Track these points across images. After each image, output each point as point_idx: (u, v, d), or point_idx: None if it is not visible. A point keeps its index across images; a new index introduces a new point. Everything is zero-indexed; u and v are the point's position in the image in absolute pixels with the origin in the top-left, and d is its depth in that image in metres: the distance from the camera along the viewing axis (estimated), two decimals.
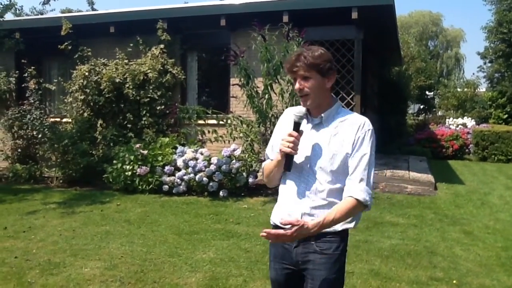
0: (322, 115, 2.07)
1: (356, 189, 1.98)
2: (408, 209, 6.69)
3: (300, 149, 2.03)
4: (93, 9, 24.87)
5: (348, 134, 2.03)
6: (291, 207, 2.10)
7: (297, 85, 2.04)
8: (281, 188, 2.19)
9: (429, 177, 8.58)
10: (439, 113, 25.24)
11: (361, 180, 1.99)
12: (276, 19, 7.71)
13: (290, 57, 2.07)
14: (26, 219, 6.25)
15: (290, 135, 2.01)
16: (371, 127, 2.05)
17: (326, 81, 2.04)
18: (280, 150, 2.03)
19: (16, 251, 4.92)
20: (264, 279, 4.14)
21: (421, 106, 25.28)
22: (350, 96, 8.60)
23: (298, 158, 2.06)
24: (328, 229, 2.01)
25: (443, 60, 39.97)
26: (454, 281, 4.12)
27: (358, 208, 2.00)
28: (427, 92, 24.18)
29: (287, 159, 2.05)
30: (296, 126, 2.05)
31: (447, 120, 18.70)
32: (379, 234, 5.50)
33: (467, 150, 14.03)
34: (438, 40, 41.27)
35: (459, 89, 23.41)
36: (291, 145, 1.99)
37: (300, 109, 2.07)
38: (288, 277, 2.20)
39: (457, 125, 16.81)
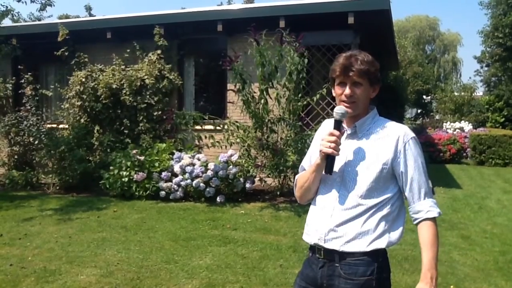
0: (356, 124, 1.94)
1: (425, 206, 1.88)
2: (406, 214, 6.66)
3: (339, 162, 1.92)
4: (90, 15, 24.91)
5: (386, 146, 1.88)
6: (319, 223, 1.93)
7: (348, 91, 1.88)
8: (312, 202, 2.05)
9: None
10: (437, 117, 25.29)
11: (425, 194, 1.89)
12: (273, 25, 7.72)
13: (340, 58, 1.92)
14: (22, 226, 6.22)
15: (332, 134, 1.86)
16: (412, 134, 1.91)
17: (371, 91, 1.94)
18: (320, 151, 1.88)
19: (11, 259, 4.89)
20: (261, 285, 4.13)
21: (419, 111, 25.31)
22: None
23: (327, 171, 1.93)
24: (354, 249, 1.83)
25: (440, 64, 40.12)
26: (452, 286, 4.10)
27: (436, 225, 1.88)
28: (424, 97, 24.24)
29: (328, 160, 1.88)
30: (337, 124, 1.89)
31: (444, 124, 18.73)
32: None
33: (464, 154, 14.05)
34: (435, 44, 41.43)
35: (456, 93, 23.47)
36: (332, 145, 1.84)
37: (341, 107, 1.90)
38: None
39: (455, 129, 16.83)
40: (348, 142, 1.95)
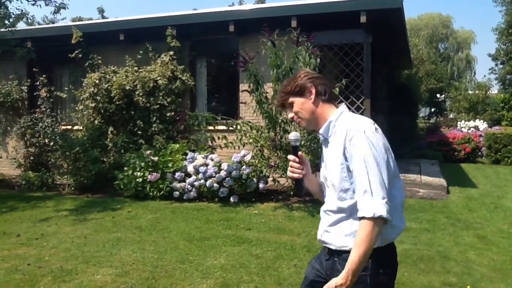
0: (320, 131, 2.02)
1: (361, 205, 1.79)
2: (420, 213, 6.63)
3: (322, 167, 2.07)
4: (103, 17, 25.15)
5: (338, 145, 1.91)
6: (320, 223, 2.09)
7: (289, 115, 2.06)
8: None
9: (441, 181, 8.51)
10: (451, 116, 25.04)
11: (365, 192, 1.79)
12: (284, 24, 7.72)
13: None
14: (39, 226, 6.30)
15: (290, 160, 2.07)
16: (358, 129, 1.85)
17: (308, 99, 2.00)
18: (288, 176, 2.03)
19: (29, 258, 4.96)
20: (275, 285, 4.13)
21: (432, 109, 25.09)
22: (360, 100, 8.56)
23: (321, 177, 2.10)
24: (348, 247, 1.87)
25: (453, 62, 39.69)
26: (468, 287, 4.06)
27: (376, 225, 1.75)
28: (437, 95, 24.01)
29: (296, 183, 2.11)
30: (293, 150, 2.08)
31: (458, 123, 18.54)
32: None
33: (479, 153, 13.89)
34: (448, 42, 40.99)
35: (470, 92, 23.21)
36: (294, 170, 2.05)
37: (295, 134, 2.10)
38: (316, 279, 2.12)
39: (469, 128, 16.66)
40: (324, 149, 2.06)
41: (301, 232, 5.69)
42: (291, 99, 2.03)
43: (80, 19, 24.56)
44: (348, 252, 1.83)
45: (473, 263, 4.70)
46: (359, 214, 1.78)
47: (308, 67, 6.98)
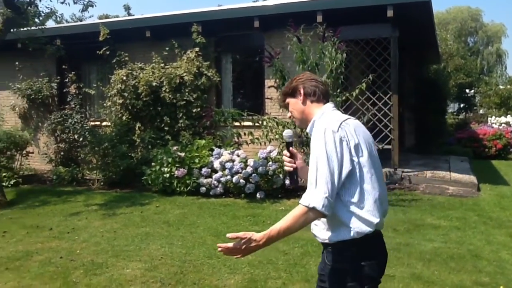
0: (307, 129, 2.16)
1: (304, 194, 1.91)
2: (450, 211, 6.51)
3: None
4: (129, 15, 25.46)
5: (311, 143, 2.03)
6: None
7: (288, 114, 2.25)
8: None
9: (472, 178, 8.33)
10: (480, 112, 24.45)
11: (311, 184, 1.91)
12: (310, 19, 7.67)
13: None
14: (70, 220, 6.45)
15: (284, 154, 2.28)
16: (323, 127, 1.96)
17: (299, 100, 2.16)
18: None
19: (61, 251, 5.09)
20: (303, 282, 4.12)
21: (461, 105, 24.56)
22: (388, 96, 8.45)
23: None
24: (325, 240, 2.01)
25: (483, 56, 38.66)
26: (501, 287, 3.97)
27: (308, 217, 1.88)
28: (467, 90, 23.48)
29: (289, 175, 2.34)
30: (286, 146, 2.27)
31: (489, 118, 18.10)
32: (420, 236, 5.37)
33: (511, 150, 13.53)
34: (477, 36, 39.93)
35: (501, 86, 22.61)
36: (285, 163, 2.26)
37: (288, 131, 2.29)
38: (320, 272, 2.21)
39: (500, 124, 16.24)
40: None
41: None
42: (287, 100, 2.21)
43: (106, 17, 24.92)
44: (329, 245, 2.00)
45: (507, 262, 4.58)
46: (300, 200, 1.91)
47: (334, 62, 6.92)
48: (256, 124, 7.76)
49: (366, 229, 1.93)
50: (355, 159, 1.94)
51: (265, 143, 7.26)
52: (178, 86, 9.12)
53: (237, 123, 7.72)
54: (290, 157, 2.23)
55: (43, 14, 9.23)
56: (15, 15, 7.65)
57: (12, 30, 8.03)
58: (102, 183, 8.90)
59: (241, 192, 7.30)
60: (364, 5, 8.06)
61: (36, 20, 8.18)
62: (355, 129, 1.98)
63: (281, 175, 7.24)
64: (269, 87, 7.76)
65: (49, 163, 10.32)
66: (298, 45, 6.98)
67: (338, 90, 7.19)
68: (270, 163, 7.17)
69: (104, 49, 9.73)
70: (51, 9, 9.39)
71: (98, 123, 10.20)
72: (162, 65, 9.45)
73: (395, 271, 4.30)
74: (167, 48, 9.55)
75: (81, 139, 9.55)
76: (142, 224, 6.10)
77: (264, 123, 7.36)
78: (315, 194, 1.87)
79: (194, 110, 9.09)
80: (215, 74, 9.32)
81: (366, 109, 8.27)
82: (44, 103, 10.88)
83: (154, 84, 9.11)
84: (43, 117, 10.97)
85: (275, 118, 7.43)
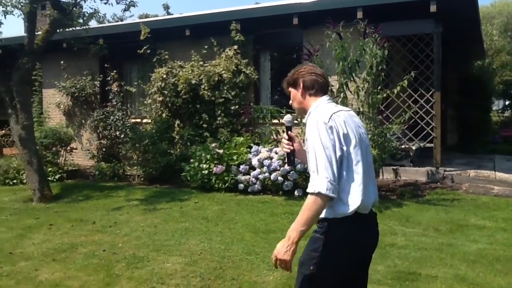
0: (304, 119, 2.36)
1: (310, 182, 2.09)
2: (495, 211, 6.28)
3: None
4: (168, 14, 25.86)
5: (306, 131, 2.22)
6: None
7: (290, 102, 2.46)
8: None
9: None
10: None
11: (313, 172, 2.10)
12: (350, 16, 7.57)
13: None
14: (112, 214, 6.63)
15: (283, 138, 2.52)
16: (314, 119, 2.16)
17: (298, 92, 2.37)
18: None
19: (104, 245, 5.23)
20: None
21: (507, 102, 23.66)
22: (430, 93, 8.25)
23: None
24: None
25: None
26: None
27: (318, 203, 2.04)
28: None
29: (286, 156, 2.55)
30: (286, 129, 2.49)
31: None
32: (464, 237, 5.21)
33: None
34: None
35: None
36: (283, 144, 2.50)
37: (288, 116, 2.50)
38: None
39: None
40: None
41: None
42: (289, 89, 2.43)
43: (146, 16, 25.40)
44: (320, 225, 2.19)
45: None
46: (307, 189, 2.10)
47: (375, 59, 6.81)
48: (295, 121, 7.73)
49: (347, 210, 2.12)
50: (344, 147, 2.13)
51: (303, 140, 7.21)
52: (217, 83, 9.20)
53: (275, 121, 7.71)
54: (288, 140, 2.47)
55: (87, 15, 9.51)
56: (61, 16, 7.90)
57: (58, 30, 8.30)
58: (142, 179, 9.09)
59: (279, 190, 7.29)
60: (406, 0, 7.88)
61: (80, 20, 8.43)
62: (344, 120, 2.17)
63: None
64: None
65: (91, 158, 10.64)
66: (338, 42, 6.90)
67: (379, 87, 7.07)
68: None
69: (145, 48, 9.94)
70: (95, 9, 9.69)
71: (138, 120, 10.43)
72: (201, 63, 9.56)
73: (437, 272, 4.20)
74: (206, 46, 9.66)
75: (122, 135, 9.79)
76: (182, 219, 6.19)
77: (303, 120, 7.30)
78: (318, 180, 2.05)
79: (232, 108, 9.16)
80: (253, 71, 9.35)
81: (407, 107, 8.09)
82: (87, 101, 11.22)
83: (193, 82, 9.23)
84: (86, 114, 11.31)
85: None
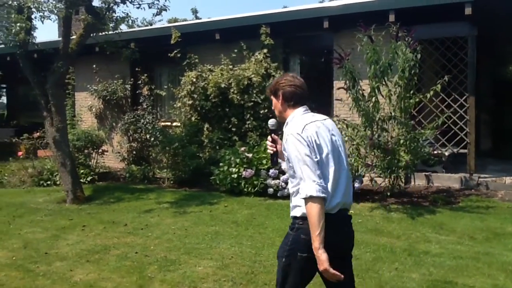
0: (284, 128, 2.53)
1: (300, 189, 2.31)
2: None
3: None
4: (196, 18, 26.12)
5: (284, 141, 2.46)
6: None
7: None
8: None
9: None
10: None
11: (301, 179, 2.30)
12: (381, 19, 7.47)
13: None
14: (143, 217, 6.70)
15: (267, 140, 2.74)
16: (289, 132, 2.39)
17: (278, 101, 2.57)
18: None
19: (136, 247, 5.29)
20: None
21: None
22: (464, 98, 8.06)
23: None
24: (291, 215, 2.46)
25: None
26: None
27: (313, 205, 2.24)
28: None
29: (270, 156, 2.81)
30: (270, 132, 2.68)
31: None
32: (501, 246, 5.06)
33: None
34: None
35: None
36: (268, 147, 2.72)
37: (273, 120, 2.67)
38: None
39: None
40: None
41: (400, 234, 5.48)
42: (271, 97, 2.63)
43: (175, 20, 25.70)
44: (293, 218, 2.45)
45: None
46: (301, 196, 2.30)
47: (407, 63, 6.70)
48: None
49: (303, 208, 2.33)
50: (317, 155, 2.35)
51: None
52: (246, 87, 9.22)
53: None
54: (272, 142, 2.69)
55: (119, 19, 9.68)
56: (95, 21, 8.06)
57: (91, 35, 8.47)
58: (171, 182, 9.17)
59: None
60: (439, 3, 7.74)
61: (110, 24, 8.57)
62: (316, 131, 2.39)
63: None
64: (338, 88, 7.64)
65: (122, 161, 10.80)
66: (370, 45, 6.81)
67: (411, 92, 6.95)
68: None
69: (175, 51, 10.03)
70: (127, 14, 9.86)
71: (168, 123, 10.54)
72: (231, 66, 9.60)
73: (475, 282, 4.09)
74: (235, 50, 9.69)
75: (152, 139, 9.91)
76: (212, 223, 6.21)
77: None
78: (307, 185, 2.26)
79: (261, 111, 9.15)
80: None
81: (440, 112, 7.93)
82: (118, 104, 11.41)
83: (222, 85, 9.27)
84: (117, 117, 11.50)
85: (345, 120, 7.31)
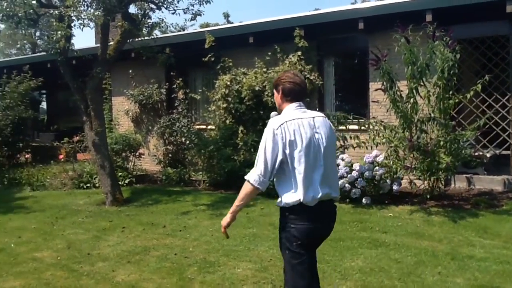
0: None
1: (248, 174, 2.70)
2: None
3: None
4: (228, 22, 26.32)
5: None
6: None
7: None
8: None
9: None
10: None
11: (254, 165, 2.66)
12: (418, 19, 7.34)
13: None
14: (181, 219, 6.79)
15: None
16: (268, 125, 2.68)
17: (278, 95, 2.84)
18: None
19: (175, 248, 5.36)
20: None
21: None
22: (506, 98, 7.82)
23: None
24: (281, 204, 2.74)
25: None
26: None
27: (247, 187, 2.69)
28: None
29: None
30: None
31: None
32: None
33: None
34: None
35: None
36: None
37: (274, 113, 2.93)
38: None
39: None
40: None
41: (442, 238, 5.35)
42: (274, 90, 2.90)
43: (207, 25, 25.94)
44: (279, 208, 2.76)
45: None
46: (245, 177, 2.70)
47: (446, 63, 6.55)
48: (362, 127, 7.59)
49: (291, 202, 2.64)
50: (287, 151, 2.60)
51: (371, 147, 7.06)
52: None
53: (342, 127, 7.59)
54: None
55: (154, 25, 9.86)
56: (131, 27, 8.23)
57: (128, 41, 8.65)
58: (207, 184, 9.25)
59: (346, 197, 7.15)
60: (478, 1, 7.52)
61: (144, 30, 8.73)
62: (294, 129, 2.62)
63: (388, 180, 7.00)
64: (375, 90, 7.53)
65: (158, 164, 10.97)
66: (407, 46, 6.70)
67: (451, 92, 6.79)
68: (377, 167, 6.95)
69: (209, 56, 10.12)
70: (162, 19, 10.03)
71: (203, 126, 10.64)
72: (265, 69, 9.61)
73: None
74: (269, 53, 9.70)
75: (187, 142, 10.03)
76: (249, 225, 6.23)
77: (371, 126, 7.16)
78: (253, 172, 2.66)
79: None
80: (317, 77, 9.28)
81: (481, 112, 7.71)
82: (154, 108, 11.60)
83: (256, 88, 9.29)
84: (153, 121, 11.69)
85: (382, 121, 7.20)
